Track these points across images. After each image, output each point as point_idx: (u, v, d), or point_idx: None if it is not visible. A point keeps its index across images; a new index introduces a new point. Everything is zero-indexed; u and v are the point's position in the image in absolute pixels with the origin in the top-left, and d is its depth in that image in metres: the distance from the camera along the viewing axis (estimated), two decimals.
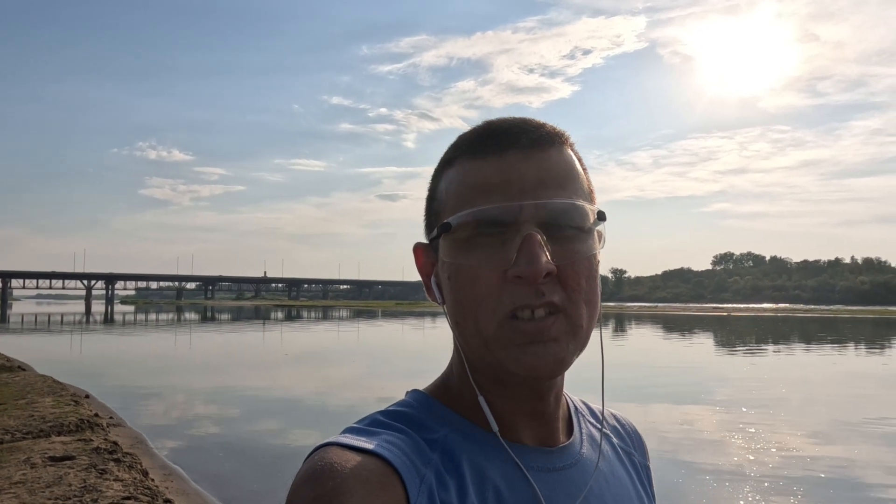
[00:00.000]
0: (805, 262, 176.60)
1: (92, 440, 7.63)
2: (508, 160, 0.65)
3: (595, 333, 0.68)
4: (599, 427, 0.78)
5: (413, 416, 0.68)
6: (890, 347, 28.12)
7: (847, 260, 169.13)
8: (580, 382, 0.73)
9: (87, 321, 54.63)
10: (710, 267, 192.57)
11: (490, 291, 0.63)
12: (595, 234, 0.67)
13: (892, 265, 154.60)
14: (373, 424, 0.65)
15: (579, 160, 0.70)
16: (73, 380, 13.74)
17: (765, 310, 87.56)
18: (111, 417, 10.12)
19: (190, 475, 7.26)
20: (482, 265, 0.63)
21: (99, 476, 6.04)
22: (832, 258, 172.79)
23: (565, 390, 0.76)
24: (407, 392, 0.74)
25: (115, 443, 7.72)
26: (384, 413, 0.68)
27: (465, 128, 0.73)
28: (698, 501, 6.39)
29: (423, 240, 0.74)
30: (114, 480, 5.95)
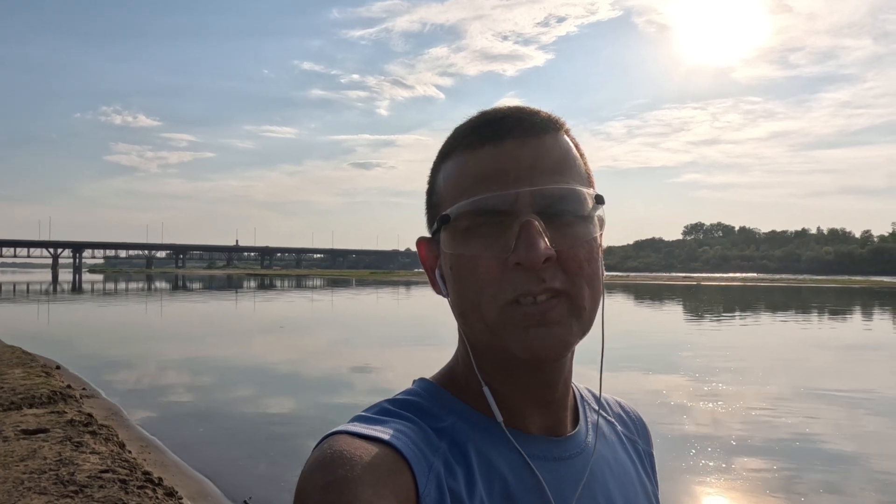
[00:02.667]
0: (773, 232, 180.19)
1: (65, 412, 7.51)
2: (504, 149, 0.65)
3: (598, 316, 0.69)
4: (598, 412, 0.79)
5: (421, 405, 0.68)
6: (851, 316, 28.96)
7: (813, 231, 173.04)
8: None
9: (55, 290, 53.60)
10: (680, 237, 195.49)
11: (491, 279, 0.63)
12: (595, 217, 0.67)
13: (856, 236, 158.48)
14: (381, 413, 0.66)
15: (576, 145, 0.70)
16: (43, 350, 13.48)
17: (734, 279, 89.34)
18: (84, 389, 9.97)
19: (168, 446, 7.20)
20: (482, 254, 0.64)
21: (75, 449, 5.95)
22: (799, 229, 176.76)
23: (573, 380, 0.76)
24: (414, 381, 0.74)
25: (89, 415, 7.61)
26: (392, 402, 0.69)
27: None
28: (664, 461, 6.53)
29: (425, 232, 0.74)
30: (90, 453, 5.86)
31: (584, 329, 0.66)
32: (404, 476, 0.57)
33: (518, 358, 0.64)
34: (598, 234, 0.67)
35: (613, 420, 0.81)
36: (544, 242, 0.61)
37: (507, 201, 0.63)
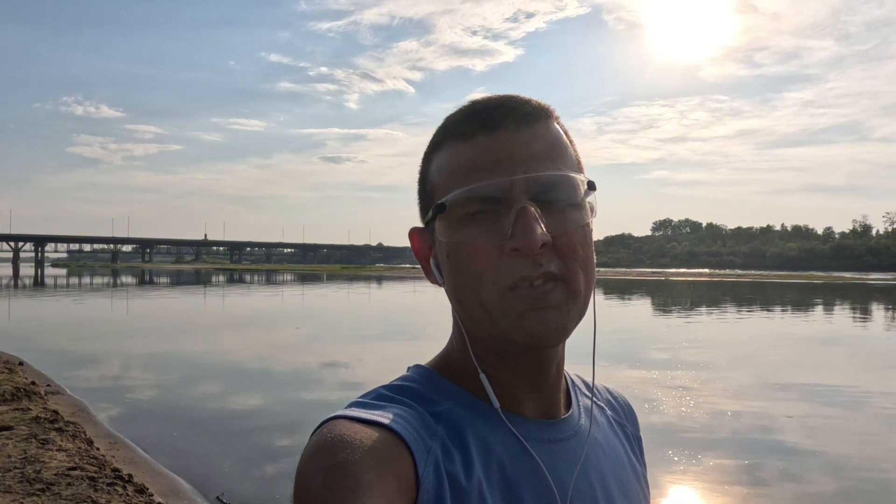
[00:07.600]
0: (739, 228, 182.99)
1: (30, 409, 7.34)
2: (498, 138, 0.66)
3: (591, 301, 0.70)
4: (591, 398, 0.81)
5: (417, 390, 0.69)
6: (813, 310, 29.70)
7: (778, 227, 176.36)
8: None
9: (16, 285, 52.20)
10: (649, 233, 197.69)
11: (489, 266, 0.64)
12: (587, 204, 0.68)
13: (819, 233, 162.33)
14: (378, 398, 0.66)
15: (565, 132, 0.71)
16: (5, 346, 13.15)
17: (701, 274, 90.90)
18: (49, 385, 9.75)
19: (137, 443, 7.08)
20: (479, 241, 0.65)
21: (41, 446, 5.83)
22: (764, 225, 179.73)
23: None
24: (409, 367, 0.75)
25: (55, 411, 7.45)
26: (388, 387, 0.69)
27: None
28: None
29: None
30: (57, 451, 5.75)
31: (581, 313, 0.67)
32: (404, 460, 0.58)
33: (516, 343, 0.65)
34: (590, 220, 0.68)
35: (603, 405, 0.83)
36: (540, 228, 0.62)
37: (502, 189, 0.64)
